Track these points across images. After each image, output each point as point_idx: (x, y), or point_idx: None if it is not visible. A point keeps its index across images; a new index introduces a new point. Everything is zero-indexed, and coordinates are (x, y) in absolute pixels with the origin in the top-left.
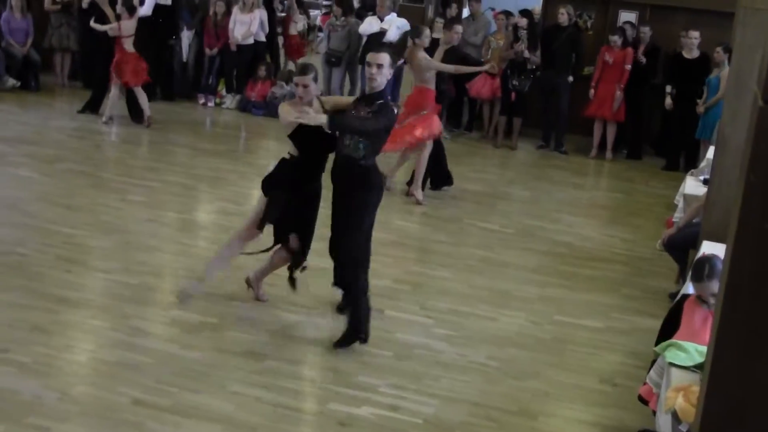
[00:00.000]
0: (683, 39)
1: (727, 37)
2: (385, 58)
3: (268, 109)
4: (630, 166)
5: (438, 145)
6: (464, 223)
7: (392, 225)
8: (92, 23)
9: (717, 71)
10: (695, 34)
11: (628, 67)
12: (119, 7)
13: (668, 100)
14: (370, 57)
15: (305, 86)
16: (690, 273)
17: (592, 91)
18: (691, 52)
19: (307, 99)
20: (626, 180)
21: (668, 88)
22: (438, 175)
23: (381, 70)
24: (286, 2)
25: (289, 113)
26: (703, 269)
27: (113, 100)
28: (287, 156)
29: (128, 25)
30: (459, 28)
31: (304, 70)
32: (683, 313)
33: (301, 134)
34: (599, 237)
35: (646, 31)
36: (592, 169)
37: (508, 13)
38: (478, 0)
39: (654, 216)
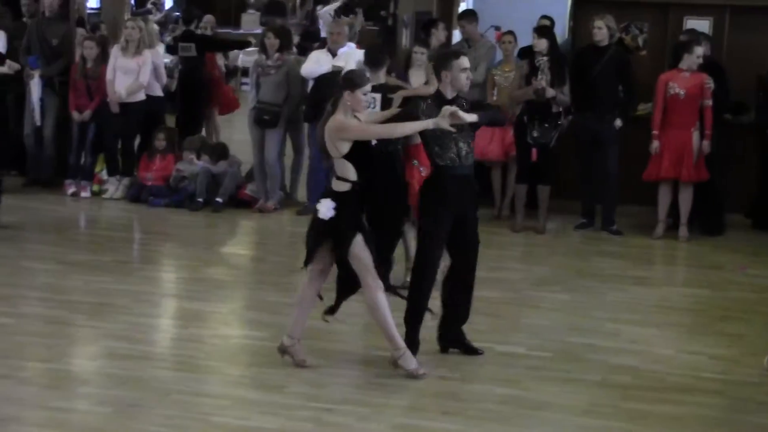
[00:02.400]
0: None
1: None
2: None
3: (173, 196)
4: (716, 246)
5: None
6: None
7: (368, 355)
8: None
9: None
10: None
11: (710, 103)
12: None
13: None
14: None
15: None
16: None
17: (655, 143)
18: None
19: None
20: (713, 267)
21: None
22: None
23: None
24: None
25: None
26: None
27: None
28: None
29: None
30: None
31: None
32: None
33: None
34: (679, 356)
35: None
36: (661, 255)
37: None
38: (474, 18)
39: (759, 319)
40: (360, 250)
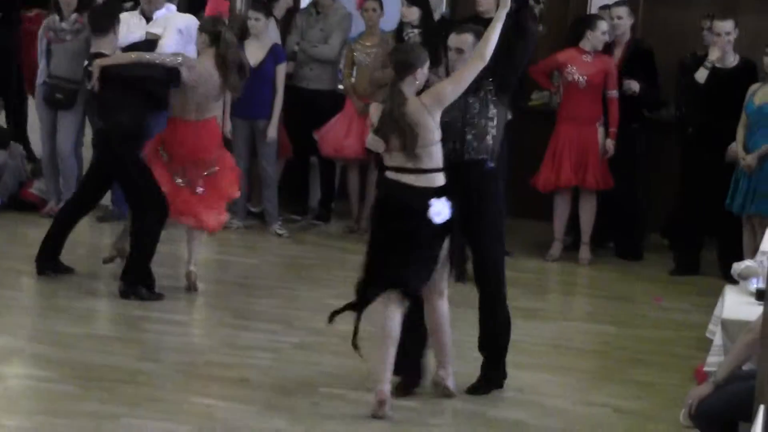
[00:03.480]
0: (706, 33)
1: None
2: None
3: None
4: (625, 271)
5: None
6: (320, 395)
7: (178, 402)
8: None
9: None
10: (728, 26)
11: (615, 94)
12: None
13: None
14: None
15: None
16: None
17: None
18: (726, 57)
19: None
20: (620, 298)
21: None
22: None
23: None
24: None
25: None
26: None
27: None
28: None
29: None
30: None
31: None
32: None
33: None
34: (578, 409)
35: (623, 14)
36: (558, 282)
37: None
38: None
39: (676, 363)
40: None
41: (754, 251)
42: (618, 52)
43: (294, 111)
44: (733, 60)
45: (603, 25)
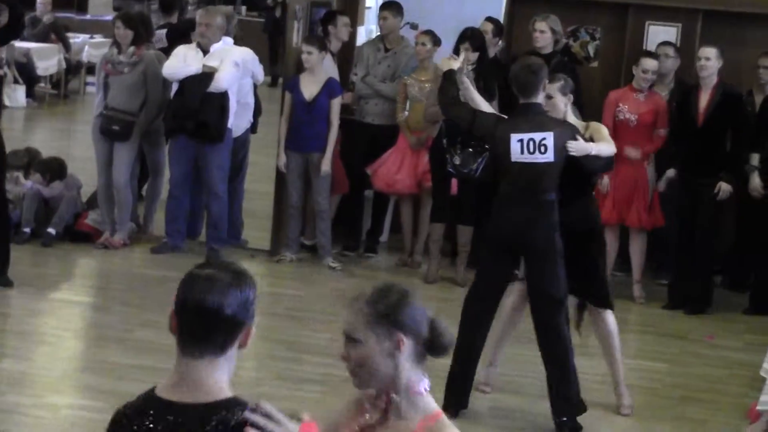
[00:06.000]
0: (762, 71)
1: None
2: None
3: None
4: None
5: None
6: None
7: None
8: None
9: None
10: None
11: (663, 133)
12: None
13: (755, 180)
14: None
15: (550, 97)
16: None
17: (605, 180)
18: None
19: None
20: (673, 336)
21: (754, 159)
22: None
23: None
24: None
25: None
26: None
27: None
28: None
29: None
30: None
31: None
32: None
33: None
34: None
35: (710, 55)
36: None
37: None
38: (399, 11)
39: (727, 401)
40: None
41: None
42: (704, 96)
43: (355, 145)
44: None
45: (645, 63)
